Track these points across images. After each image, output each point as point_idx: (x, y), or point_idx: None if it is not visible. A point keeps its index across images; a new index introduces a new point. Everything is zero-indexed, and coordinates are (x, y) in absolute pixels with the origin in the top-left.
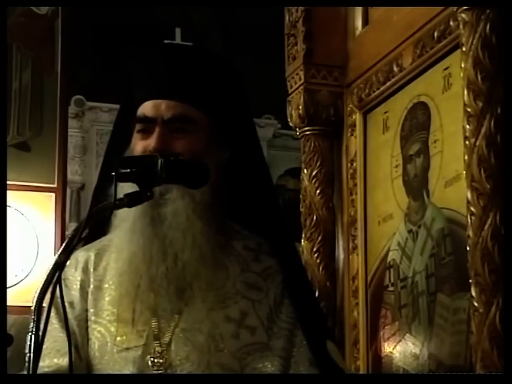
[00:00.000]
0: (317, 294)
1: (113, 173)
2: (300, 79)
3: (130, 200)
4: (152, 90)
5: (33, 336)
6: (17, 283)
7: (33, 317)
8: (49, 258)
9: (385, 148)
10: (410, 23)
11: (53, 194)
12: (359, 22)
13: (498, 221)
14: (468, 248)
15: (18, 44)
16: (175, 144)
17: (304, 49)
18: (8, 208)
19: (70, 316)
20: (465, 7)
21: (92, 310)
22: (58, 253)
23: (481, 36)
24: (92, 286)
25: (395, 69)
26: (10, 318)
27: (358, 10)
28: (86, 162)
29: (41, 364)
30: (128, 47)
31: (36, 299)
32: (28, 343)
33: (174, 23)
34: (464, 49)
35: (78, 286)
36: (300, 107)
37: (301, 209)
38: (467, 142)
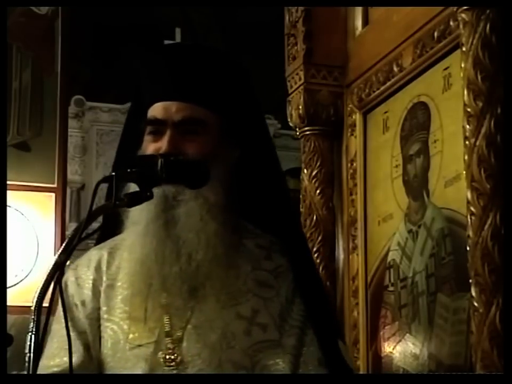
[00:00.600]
0: None
1: (113, 173)
2: (300, 79)
3: (130, 200)
4: (162, 92)
5: (33, 336)
6: (17, 283)
7: (33, 317)
8: (49, 258)
9: (385, 148)
10: (410, 23)
11: (53, 194)
12: (359, 22)
13: (498, 221)
14: (468, 248)
15: (18, 44)
16: (185, 146)
17: (304, 49)
18: (8, 208)
19: (81, 315)
20: (465, 7)
21: (104, 308)
22: (58, 253)
23: (481, 36)
24: (104, 285)
25: (395, 69)
26: (10, 318)
27: (358, 10)
28: (86, 162)
29: (51, 363)
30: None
31: (35, 299)
32: (28, 343)
33: (174, 23)
34: (464, 49)
35: (90, 285)
36: (300, 107)
37: (301, 209)
38: (467, 142)
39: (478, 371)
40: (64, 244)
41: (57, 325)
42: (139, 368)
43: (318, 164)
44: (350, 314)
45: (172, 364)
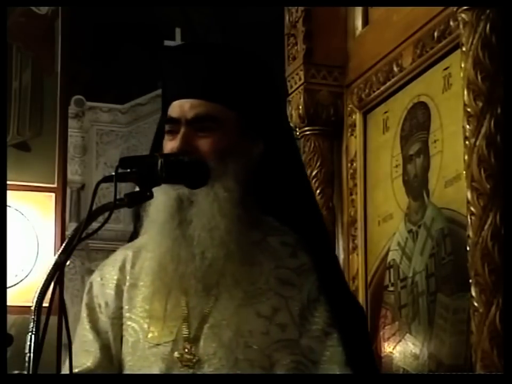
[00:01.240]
0: None
1: (113, 173)
2: (300, 79)
3: (130, 200)
4: (177, 90)
5: (33, 336)
6: (17, 283)
7: (33, 317)
8: (49, 258)
9: (385, 148)
10: (410, 23)
11: (53, 194)
12: (359, 22)
13: (498, 221)
14: (468, 248)
15: (18, 44)
16: (199, 143)
17: (304, 49)
18: (8, 208)
19: (104, 315)
20: (465, 7)
21: (127, 307)
22: (58, 253)
23: (481, 36)
24: (128, 284)
25: (395, 69)
26: (10, 318)
27: (358, 10)
28: (86, 162)
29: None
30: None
31: (35, 299)
32: (28, 343)
33: (174, 23)
34: (464, 49)
35: (114, 285)
36: (300, 107)
37: None
38: (467, 142)
39: (478, 371)
40: (64, 244)
41: (79, 327)
42: (156, 367)
43: (318, 164)
44: None
45: (188, 364)
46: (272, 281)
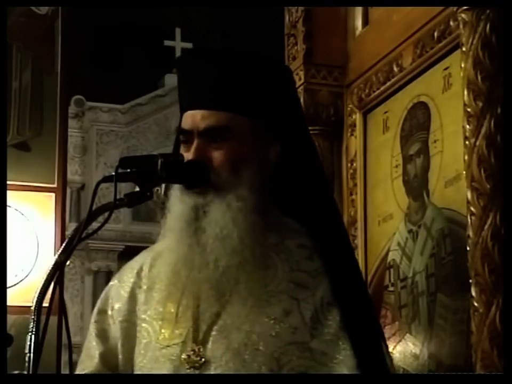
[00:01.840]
0: None
1: (113, 173)
2: (300, 79)
3: (130, 200)
4: (189, 101)
5: (33, 336)
6: (17, 283)
7: (33, 317)
8: (49, 258)
9: (385, 148)
10: (410, 23)
11: (53, 194)
12: (359, 22)
13: (498, 221)
14: (468, 248)
15: (18, 44)
16: (213, 155)
17: (304, 49)
18: (8, 208)
19: (113, 319)
20: (465, 7)
21: (142, 309)
22: (58, 253)
23: (481, 36)
24: (145, 287)
25: (395, 69)
26: (10, 318)
27: (358, 10)
28: (86, 162)
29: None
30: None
31: (35, 299)
32: (28, 343)
33: (174, 23)
34: (464, 49)
35: (129, 288)
36: None
37: None
38: (467, 142)
39: (478, 371)
40: (64, 244)
41: (88, 331)
42: (165, 369)
43: None
44: None
45: (195, 365)
46: (285, 284)
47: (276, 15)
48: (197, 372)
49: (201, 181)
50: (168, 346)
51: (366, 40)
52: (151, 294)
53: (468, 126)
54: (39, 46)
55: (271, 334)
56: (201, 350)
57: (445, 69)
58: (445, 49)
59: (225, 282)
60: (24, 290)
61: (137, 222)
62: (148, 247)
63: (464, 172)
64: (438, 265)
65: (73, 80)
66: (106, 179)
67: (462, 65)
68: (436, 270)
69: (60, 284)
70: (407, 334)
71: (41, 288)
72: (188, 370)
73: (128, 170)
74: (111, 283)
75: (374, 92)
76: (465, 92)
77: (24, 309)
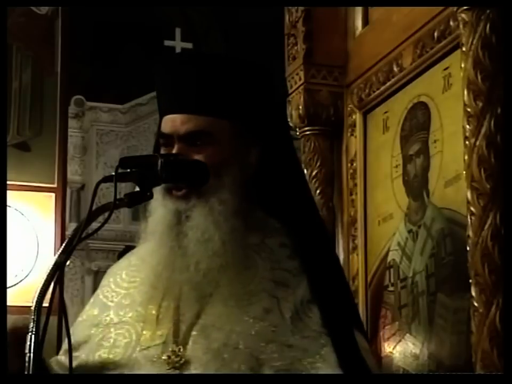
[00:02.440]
0: None
1: (113, 173)
2: (300, 79)
3: (130, 200)
4: (168, 105)
5: (33, 336)
6: (17, 283)
7: (33, 317)
8: (49, 258)
9: (385, 148)
10: (410, 23)
11: (53, 194)
12: (359, 22)
13: (498, 221)
14: (468, 248)
15: (18, 44)
16: (193, 158)
17: (304, 49)
18: (8, 208)
19: (89, 322)
20: (465, 7)
21: (121, 313)
22: (58, 253)
23: (481, 36)
24: (123, 291)
25: (395, 69)
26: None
27: (358, 10)
28: (86, 162)
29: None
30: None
31: (35, 299)
32: (28, 343)
33: (174, 23)
34: (464, 49)
35: (110, 290)
36: (300, 107)
37: None
38: (467, 142)
39: (478, 371)
40: (64, 244)
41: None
42: (145, 369)
43: (318, 164)
44: None
45: (175, 366)
46: (265, 283)
47: (276, 15)
48: (177, 371)
49: (201, 181)
50: (149, 347)
51: (366, 40)
52: (131, 296)
53: (468, 126)
54: (39, 46)
55: (251, 333)
56: (182, 350)
57: (445, 69)
58: (445, 49)
59: (206, 284)
60: (24, 290)
61: (137, 222)
62: None
63: (464, 172)
64: (438, 265)
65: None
66: (106, 179)
67: (462, 65)
68: (436, 270)
69: (60, 284)
70: (407, 334)
71: (41, 288)
72: (168, 371)
73: (128, 170)
74: (97, 291)
75: (374, 92)
76: (465, 92)
77: (24, 309)
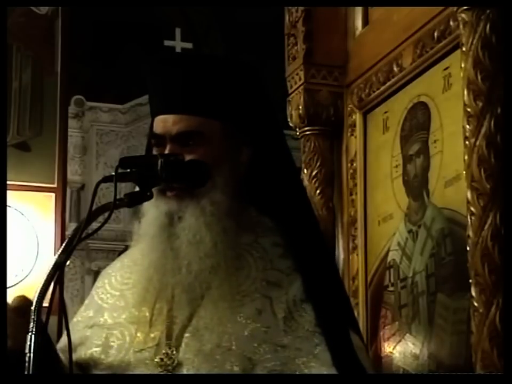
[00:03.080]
0: None
1: (113, 173)
2: (300, 79)
3: (130, 200)
4: (160, 105)
5: (33, 336)
6: (17, 283)
7: (33, 317)
8: (49, 258)
9: (385, 148)
10: (410, 23)
11: (53, 194)
12: (359, 22)
13: (498, 221)
14: (468, 248)
15: (18, 44)
16: (186, 158)
17: (304, 49)
18: (8, 208)
19: (83, 323)
20: (465, 7)
21: (115, 314)
22: (58, 253)
23: (481, 36)
24: (117, 292)
25: (395, 69)
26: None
27: (358, 10)
28: (86, 162)
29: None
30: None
31: (35, 299)
32: (28, 343)
33: (174, 23)
34: (464, 49)
35: (104, 291)
36: (300, 107)
37: None
38: (467, 142)
39: (478, 371)
40: (64, 244)
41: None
42: (138, 372)
43: (318, 164)
44: None
45: (168, 368)
46: (258, 283)
47: (276, 15)
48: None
49: (201, 181)
50: (142, 349)
51: (366, 40)
52: (124, 298)
53: (468, 126)
54: (39, 46)
55: (244, 334)
56: (174, 352)
57: (445, 69)
58: (445, 49)
59: (198, 286)
60: (24, 290)
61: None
62: None
63: (464, 172)
64: (438, 265)
65: (73, 80)
66: (106, 179)
67: (462, 65)
68: (436, 270)
69: (60, 284)
70: (407, 334)
71: (41, 288)
72: (162, 373)
73: (128, 170)
74: (92, 292)
75: (374, 92)
76: (465, 92)
77: None
